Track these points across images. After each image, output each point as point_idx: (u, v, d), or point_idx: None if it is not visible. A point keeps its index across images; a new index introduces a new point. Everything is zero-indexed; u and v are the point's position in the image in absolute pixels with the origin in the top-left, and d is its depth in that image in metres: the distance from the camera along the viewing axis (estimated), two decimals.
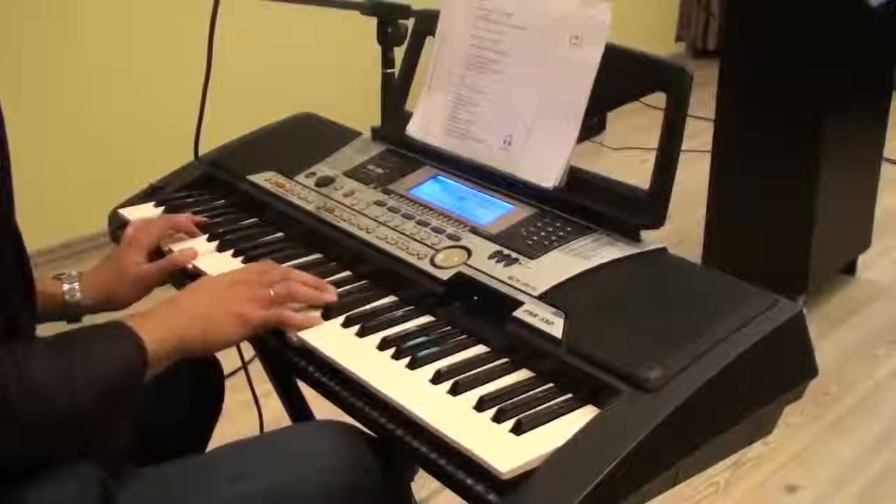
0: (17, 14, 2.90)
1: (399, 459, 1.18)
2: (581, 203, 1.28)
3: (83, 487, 1.05)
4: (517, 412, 1.00)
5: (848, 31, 2.59)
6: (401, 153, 1.51)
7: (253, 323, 1.17)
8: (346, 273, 1.31)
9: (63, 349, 1.04)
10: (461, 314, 1.19)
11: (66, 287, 1.32)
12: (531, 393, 1.05)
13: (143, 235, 1.39)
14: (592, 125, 4.10)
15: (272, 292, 1.19)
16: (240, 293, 1.18)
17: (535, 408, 1.02)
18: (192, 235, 1.42)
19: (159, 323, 1.11)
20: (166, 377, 1.35)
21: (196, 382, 1.42)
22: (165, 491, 1.11)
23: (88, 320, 1.35)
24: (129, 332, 1.08)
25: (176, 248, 1.38)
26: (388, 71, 1.71)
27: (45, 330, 1.27)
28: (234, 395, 1.51)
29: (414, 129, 1.49)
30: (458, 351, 1.13)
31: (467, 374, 1.08)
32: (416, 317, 1.20)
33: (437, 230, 1.30)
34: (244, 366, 1.63)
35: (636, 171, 3.39)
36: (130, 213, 1.53)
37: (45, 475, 1.04)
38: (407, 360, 1.11)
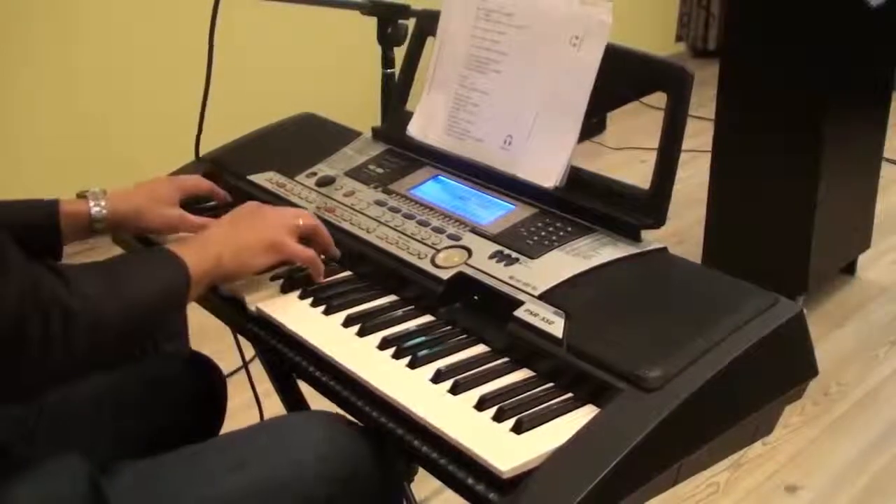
0: (18, 13, 2.90)
1: (392, 449, 1.18)
2: (581, 203, 1.28)
3: (72, 483, 1.06)
4: (517, 411, 1.01)
5: (848, 31, 2.59)
6: (401, 153, 1.51)
7: (284, 252, 1.24)
8: (347, 273, 1.31)
9: (106, 267, 1.09)
10: (462, 314, 1.19)
11: (91, 203, 1.35)
12: (531, 392, 1.05)
13: (189, 182, 1.46)
14: (592, 125, 4.11)
15: (301, 221, 1.26)
16: (270, 219, 1.25)
17: (535, 407, 1.02)
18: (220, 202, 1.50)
19: (196, 247, 1.18)
20: (168, 381, 1.36)
21: (198, 387, 1.42)
22: (157, 483, 1.11)
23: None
24: (170, 253, 1.14)
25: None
26: (389, 71, 1.71)
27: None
28: (235, 394, 1.51)
29: (414, 129, 1.49)
30: (459, 350, 1.13)
31: (468, 373, 1.08)
32: (417, 316, 1.20)
33: (438, 230, 1.31)
34: (245, 365, 1.64)
35: (636, 171, 3.39)
36: None
37: (33, 471, 1.05)
38: (407, 359, 1.11)
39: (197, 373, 1.42)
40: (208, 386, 1.43)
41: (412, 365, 1.10)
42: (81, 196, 1.36)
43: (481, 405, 1.03)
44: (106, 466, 1.10)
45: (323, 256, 1.29)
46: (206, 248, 1.19)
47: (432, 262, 1.25)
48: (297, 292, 1.26)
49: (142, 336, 1.11)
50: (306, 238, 1.27)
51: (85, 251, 1.42)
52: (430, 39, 1.50)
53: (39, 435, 1.24)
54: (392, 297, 1.25)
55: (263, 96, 3.06)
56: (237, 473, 1.11)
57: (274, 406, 1.72)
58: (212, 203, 1.49)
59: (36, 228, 1.31)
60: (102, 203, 1.35)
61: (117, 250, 1.47)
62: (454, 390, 1.05)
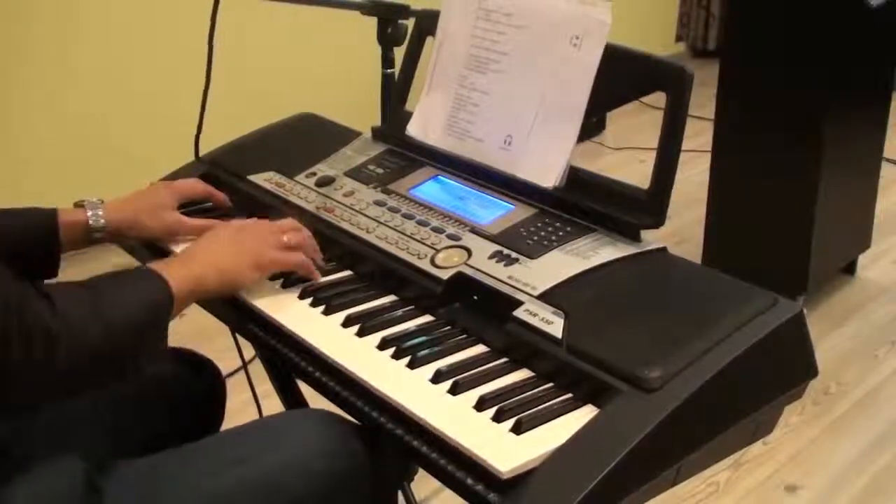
0: (18, 13, 2.90)
1: (389, 447, 1.18)
2: (581, 203, 1.28)
3: (69, 481, 1.06)
4: (517, 412, 1.01)
5: (848, 31, 2.59)
6: (401, 153, 1.51)
7: (266, 266, 1.24)
8: (347, 273, 1.31)
9: (89, 287, 1.09)
10: (461, 314, 1.19)
11: (89, 213, 1.35)
12: (531, 392, 1.05)
13: (185, 186, 1.46)
14: (592, 125, 4.11)
15: (285, 238, 1.26)
16: (253, 236, 1.25)
17: (534, 407, 1.02)
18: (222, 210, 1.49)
19: (178, 266, 1.18)
20: (168, 384, 1.36)
21: (197, 388, 1.42)
22: (154, 480, 1.11)
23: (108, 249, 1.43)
24: (151, 272, 1.14)
25: (178, 248, 1.38)
26: (388, 71, 1.71)
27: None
28: (235, 394, 1.51)
29: (414, 129, 1.49)
30: (458, 350, 1.13)
31: (467, 373, 1.08)
32: (416, 316, 1.20)
33: (438, 230, 1.31)
34: (244, 365, 1.64)
35: (636, 171, 3.39)
36: None
37: (31, 471, 1.05)
38: (407, 359, 1.11)
39: (196, 374, 1.42)
40: (207, 387, 1.43)
41: (412, 365, 1.10)
42: (79, 205, 1.36)
43: (481, 405, 1.03)
44: (103, 463, 1.11)
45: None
46: (190, 269, 1.18)
47: (432, 262, 1.25)
48: (297, 292, 1.26)
49: (126, 357, 1.09)
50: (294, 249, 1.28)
51: (78, 253, 1.42)
52: (429, 39, 1.50)
53: (38, 436, 1.24)
54: (392, 297, 1.25)
55: (263, 96, 3.06)
56: (233, 470, 1.11)
57: (274, 406, 1.71)
58: (209, 204, 1.49)
59: (35, 237, 1.31)
60: (100, 212, 1.35)
61: (110, 254, 1.47)
62: (454, 390, 1.05)
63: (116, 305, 1.08)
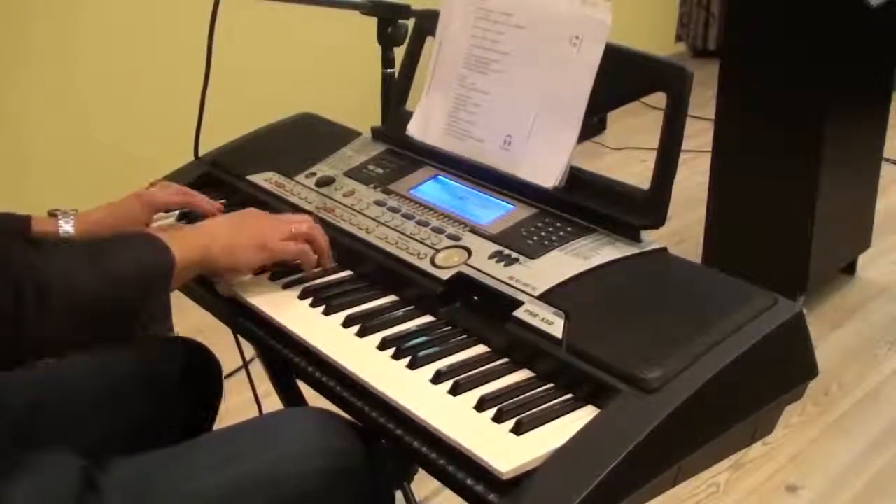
0: (18, 13, 2.90)
1: (386, 446, 1.18)
2: (581, 203, 1.28)
3: (66, 478, 1.06)
4: (517, 412, 1.01)
5: (848, 31, 2.59)
6: (401, 153, 1.51)
7: (273, 251, 1.24)
8: (347, 273, 1.31)
9: (89, 246, 1.10)
10: (461, 314, 1.19)
11: (60, 222, 1.35)
12: (531, 393, 1.05)
13: (159, 198, 1.43)
14: (592, 125, 4.11)
15: (293, 228, 1.26)
16: (262, 221, 1.27)
17: (535, 408, 1.02)
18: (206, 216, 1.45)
19: (183, 237, 1.19)
20: (164, 375, 1.36)
21: (194, 381, 1.42)
22: (151, 477, 1.11)
23: None
24: (154, 238, 1.14)
25: None
26: (389, 71, 1.71)
27: None
28: (235, 394, 1.51)
29: (414, 129, 1.49)
30: (459, 351, 1.13)
31: (467, 374, 1.08)
32: (417, 317, 1.20)
33: (438, 230, 1.30)
34: (245, 365, 1.63)
35: (636, 171, 3.39)
36: None
37: (26, 468, 1.05)
38: (407, 359, 1.11)
39: (192, 360, 1.42)
40: (202, 371, 1.43)
41: (412, 365, 1.10)
42: (52, 214, 1.36)
43: (481, 406, 1.02)
44: (101, 460, 1.11)
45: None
46: (195, 238, 1.20)
47: (432, 262, 1.25)
48: (297, 292, 1.26)
49: (122, 315, 1.09)
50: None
51: None
52: (429, 39, 1.50)
53: (37, 433, 1.24)
54: (392, 298, 1.25)
55: (263, 96, 3.06)
56: (230, 467, 1.11)
57: (274, 406, 1.71)
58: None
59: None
60: (71, 222, 1.34)
61: None
62: (454, 391, 1.05)
63: (115, 262, 1.08)
